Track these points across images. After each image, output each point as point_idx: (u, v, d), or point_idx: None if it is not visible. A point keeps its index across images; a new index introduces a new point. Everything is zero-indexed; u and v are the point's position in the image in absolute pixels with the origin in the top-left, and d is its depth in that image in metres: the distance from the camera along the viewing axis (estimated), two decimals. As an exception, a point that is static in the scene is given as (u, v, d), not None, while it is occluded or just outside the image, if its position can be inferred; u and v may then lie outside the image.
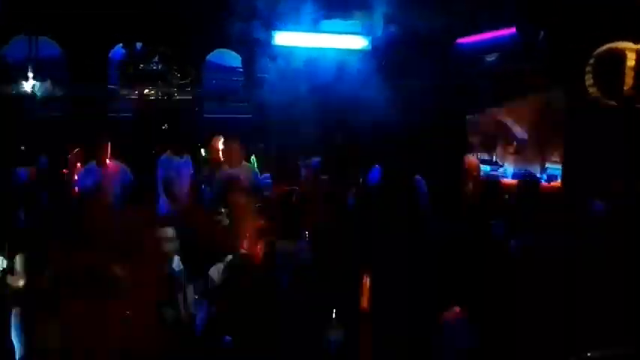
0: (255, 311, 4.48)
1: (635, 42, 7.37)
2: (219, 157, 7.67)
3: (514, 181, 8.57)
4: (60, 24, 13.12)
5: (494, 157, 9.63)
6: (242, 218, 5.40)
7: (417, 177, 7.34)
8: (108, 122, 13.39)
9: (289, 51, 11.46)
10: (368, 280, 4.62)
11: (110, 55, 14.01)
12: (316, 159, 9.61)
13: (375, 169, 8.78)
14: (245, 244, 5.17)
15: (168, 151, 7.57)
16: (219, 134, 8.07)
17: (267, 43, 11.33)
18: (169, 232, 4.70)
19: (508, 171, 9.13)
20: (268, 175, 8.43)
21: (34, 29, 13.60)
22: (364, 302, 4.59)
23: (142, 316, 4.04)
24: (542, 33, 8.65)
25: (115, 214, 6.21)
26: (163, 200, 7.32)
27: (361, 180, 8.51)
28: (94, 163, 6.88)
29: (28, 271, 4.45)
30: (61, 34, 13.61)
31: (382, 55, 11.33)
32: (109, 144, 6.96)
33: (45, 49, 14.13)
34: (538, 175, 8.71)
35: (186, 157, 7.73)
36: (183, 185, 7.47)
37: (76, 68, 13.69)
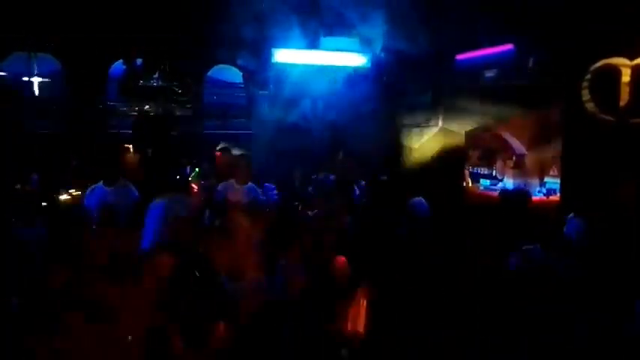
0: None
1: (630, 58, 7.53)
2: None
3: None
4: (59, 40, 13.18)
5: (493, 171, 9.70)
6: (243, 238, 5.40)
7: (418, 199, 7.38)
8: (108, 138, 13.42)
9: (289, 68, 11.58)
10: (365, 302, 4.66)
11: (110, 71, 14.07)
12: (332, 176, 9.59)
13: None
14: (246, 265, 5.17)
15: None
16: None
17: (268, 60, 11.44)
18: None
19: (507, 185, 9.20)
20: (273, 187, 8.42)
21: (33, 45, 13.67)
22: (360, 326, 4.64)
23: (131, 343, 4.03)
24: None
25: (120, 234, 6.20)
26: None
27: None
28: (101, 182, 6.86)
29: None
30: (61, 50, 13.67)
31: (381, 73, 11.46)
32: (120, 161, 6.96)
33: (44, 65, 14.18)
34: (537, 189, 8.82)
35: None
36: None
37: (75, 84, 13.74)
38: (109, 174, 6.66)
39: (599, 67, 7.81)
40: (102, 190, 6.64)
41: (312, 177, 9.53)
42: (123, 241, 5.78)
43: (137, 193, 6.76)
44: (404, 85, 11.07)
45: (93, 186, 6.79)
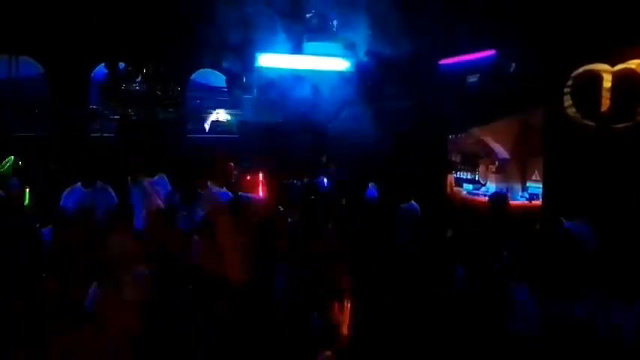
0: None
1: (611, 64, 7.60)
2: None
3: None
4: (41, 43, 13.06)
5: (476, 176, 9.76)
6: (226, 239, 5.37)
7: (410, 204, 7.47)
8: (90, 142, 13.28)
9: (273, 72, 11.58)
10: (349, 304, 4.66)
11: (92, 74, 13.95)
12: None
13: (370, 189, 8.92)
14: (229, 265, 5.15)
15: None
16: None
17: (252, 64, 11.42)
18: None
19: (490, 190, 9.25)
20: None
21: (14, 48, 13.51)
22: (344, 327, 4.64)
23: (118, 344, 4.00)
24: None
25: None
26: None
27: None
28: (79, 184, 6.79)
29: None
30: (42, 53, 13.54)
31: (365, 77, 11.48)
32: (97, 164, 6.90)
33: (25, 68, 14.02)
34: (520, 194, 8.88)
35: (161, 176, 7.68)
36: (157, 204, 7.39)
37: (57, 88, 13.61)
38: (87, 176, 6.62)
39: (581, 72, 7.88)
40: (81, 192, 6.60)
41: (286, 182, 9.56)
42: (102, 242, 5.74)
43: (114, 196, 6.74)
44: (387, 89, 11.09)
45: (70, 188, 6.74)
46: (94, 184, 6.66)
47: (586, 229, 5.98)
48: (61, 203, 6.65)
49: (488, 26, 9.14)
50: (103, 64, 13.68)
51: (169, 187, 7.51)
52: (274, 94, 11.86)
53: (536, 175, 8.76)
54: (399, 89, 10.78)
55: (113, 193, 6.88)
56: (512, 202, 7.60)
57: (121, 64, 13.46)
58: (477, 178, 9.73)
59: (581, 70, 7.87)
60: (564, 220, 5.72)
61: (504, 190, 8.69)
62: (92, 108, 13.93)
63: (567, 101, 7.98)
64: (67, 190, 6.82)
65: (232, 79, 13.06)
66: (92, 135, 13.87)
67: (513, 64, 8.90)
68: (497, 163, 9.42)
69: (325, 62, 12.03)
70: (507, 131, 9.29)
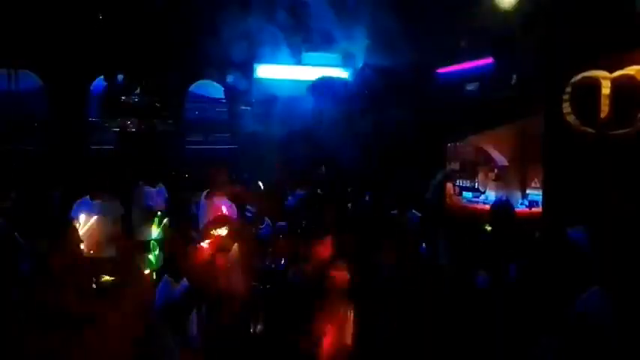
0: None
1: (610, 71, 7.58)
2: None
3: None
4: (40, 56, 13.09)
5: (475, 184, 9.71)
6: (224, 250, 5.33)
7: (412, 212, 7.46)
8: (90, 154, 13.30)
9: (272, 83, 11.60)
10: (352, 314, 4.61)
11: (91, 87, 14.00)
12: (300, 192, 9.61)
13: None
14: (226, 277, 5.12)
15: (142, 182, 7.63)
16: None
17: (250, 75, 11.45)
18: None
19: (490, 197, 9.21)
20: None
21: (13, 62, 13.55)
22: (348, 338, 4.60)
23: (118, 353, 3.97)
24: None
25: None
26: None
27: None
28: (87, 197, 6.82)
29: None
30: (42, 66, 13.57)
31: (364, 86, 11.50)
32: (106, 177, 6.93)
33: (25, 81, 14.06)
34: (519, 201, 8.83)
35: (160, 187, 7.77)
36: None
37: (56, 101, 13.63)
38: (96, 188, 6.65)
39: (580, 79, 7.85)
40: (90, 205, 6.63)
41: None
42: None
43: (122, 208, 6.77)
44: (386, 98, 11.10)
45: (79, 201, 6.78)
46: (102, 196, 6.70)
47: (585, 235, 5.96)
48: (72, 214, 6.67)
49: (486, 34, 9.15)
50: (101, 77, 13.73)
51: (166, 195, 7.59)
52: (273, 105, 11.87)
53: (535, 183, 8.72)
54: (398, 98, 10.78)
55: (120, 205, 6.93)
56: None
57: (120, 76, 13.52)
58: (476, 186, 9.68)
59: (579, 77, 7.84)
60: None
61: (505, 198, 8.63)
62: (91, 120, 13.97)
63: (566, 108, 7.95)
64: (76, 201, 6.87)
65: (231, 90, 13.10)
66: (92, 147, 13.91)
67: (514, 76, 8.92)
68: (496, 170, 9.38)
69: (324, 73, 12.05)
70: (506, 138, 9.25)
